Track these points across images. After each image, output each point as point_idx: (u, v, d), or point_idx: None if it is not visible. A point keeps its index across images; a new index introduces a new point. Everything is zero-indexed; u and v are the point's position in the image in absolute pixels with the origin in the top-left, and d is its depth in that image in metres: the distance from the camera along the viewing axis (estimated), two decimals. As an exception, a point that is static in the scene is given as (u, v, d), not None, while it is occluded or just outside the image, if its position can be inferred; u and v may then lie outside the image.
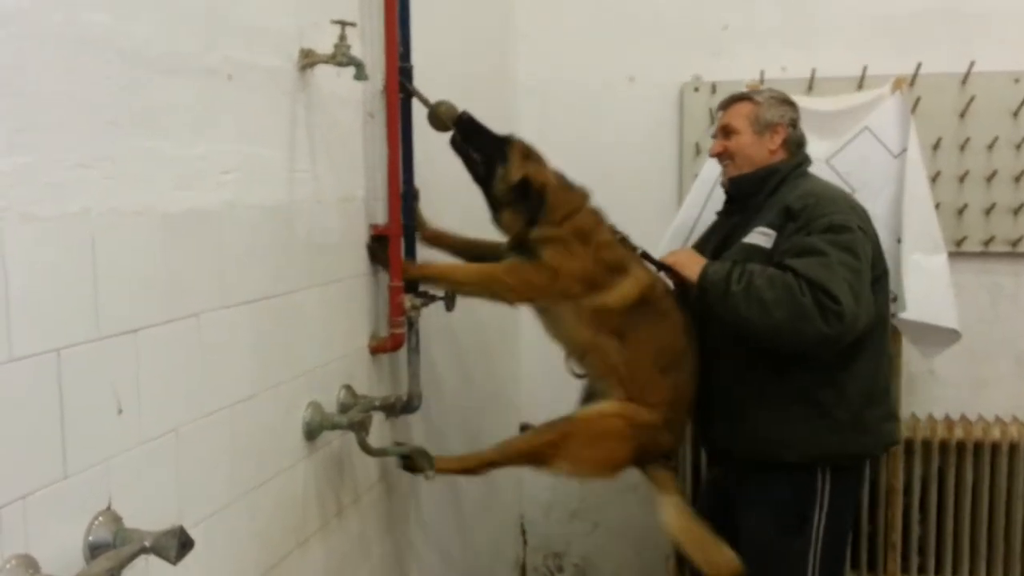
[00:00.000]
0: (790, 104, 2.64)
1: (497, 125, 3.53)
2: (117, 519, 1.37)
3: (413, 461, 2.31)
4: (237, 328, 1.72)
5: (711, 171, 3.31)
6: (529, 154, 2.47)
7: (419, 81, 2.43)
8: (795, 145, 2.62)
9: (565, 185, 2.49)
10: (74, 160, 1.30)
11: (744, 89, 3.30)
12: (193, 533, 1.53)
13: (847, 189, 3.18)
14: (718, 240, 2.65)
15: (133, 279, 1.43)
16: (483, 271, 2.38)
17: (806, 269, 2.24)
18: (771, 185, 2.54)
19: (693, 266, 2.38)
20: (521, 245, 2.40)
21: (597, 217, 2.49)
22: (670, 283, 2.54)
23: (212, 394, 1.64)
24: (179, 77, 1.55)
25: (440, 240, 2.55)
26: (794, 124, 2.62)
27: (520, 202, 2.38)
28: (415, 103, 2.39)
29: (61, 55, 1.28)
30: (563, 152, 3.69)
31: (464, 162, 2.44)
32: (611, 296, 2.36)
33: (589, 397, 2.52)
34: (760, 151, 2.57)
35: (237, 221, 1.72)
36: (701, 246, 2.74)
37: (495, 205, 2.44)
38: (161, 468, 1.50)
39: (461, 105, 2.90)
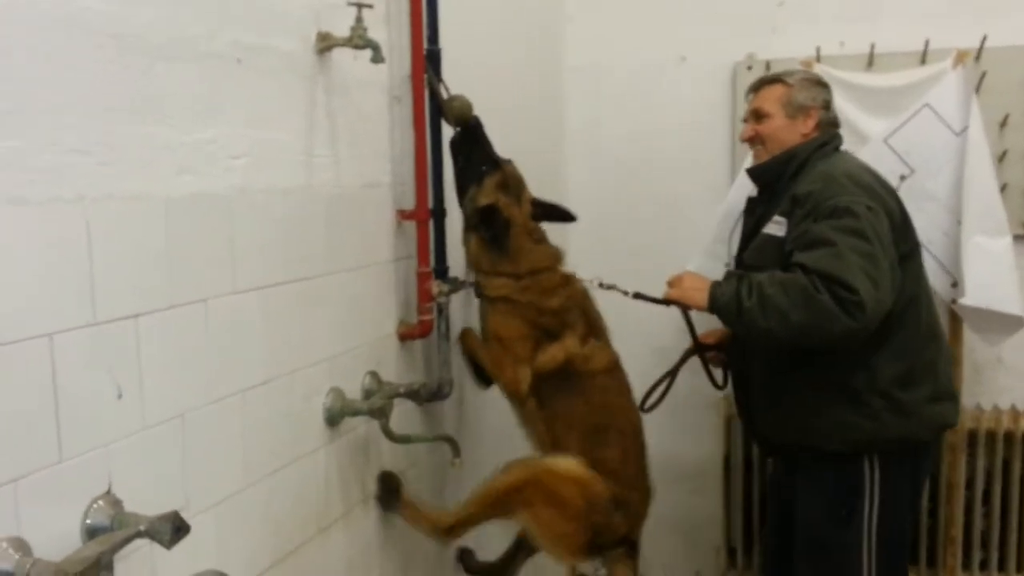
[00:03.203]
0: (823, 85, 2.56)
1: (544, 108, 3.53)
2: (117, 503, 1.38)
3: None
4: (248, 314, 1.72)
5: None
6: (506, 186, 2.41)
7: (452, 65, 2.40)
8: (828, 127, 2.53)
9: (539, 236, 2.46)
10: (68, 145, 1.31)
11: (799, 67, 3.21)
12: (202, 519, 1.56)
13: (906, 169, 3.06)
14: (747, 230, 2.61)
15: (133, 265, 1.43)
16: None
17: (816, 263, 2.15)
18: (791, 169, 2.45)
19: (697, 295, 2.31)
20: (479, 293, 2.44)
21: (564, 280, 2.46)
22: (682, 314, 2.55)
23: (221, 380, 1.64)
24: (183, 62, 1.54)
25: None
26: (827, 106, 2.53)
27: (483, 230, 2.37)
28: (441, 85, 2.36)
29: (49, 40, 1.27)
30: (613, 134, 3.69)
31: (454, 166, 2.43)
32: (540, 357, 2.37)
33: None
34: (792, 135, 2.49)
35: (248, 206, 1.71)
36: (742, 236, 2.69)
37: (465, 224, 2.44)
38: (166, 453, 1.51)
39: (506, 85, 2.87)
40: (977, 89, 3.06)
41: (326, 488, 1.99)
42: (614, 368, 2.49)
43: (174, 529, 1.32)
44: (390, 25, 2.24)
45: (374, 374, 2.16)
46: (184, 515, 1.35)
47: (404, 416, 2.29)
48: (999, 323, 2.96)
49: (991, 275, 2.89)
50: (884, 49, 3.31)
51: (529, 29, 3.40)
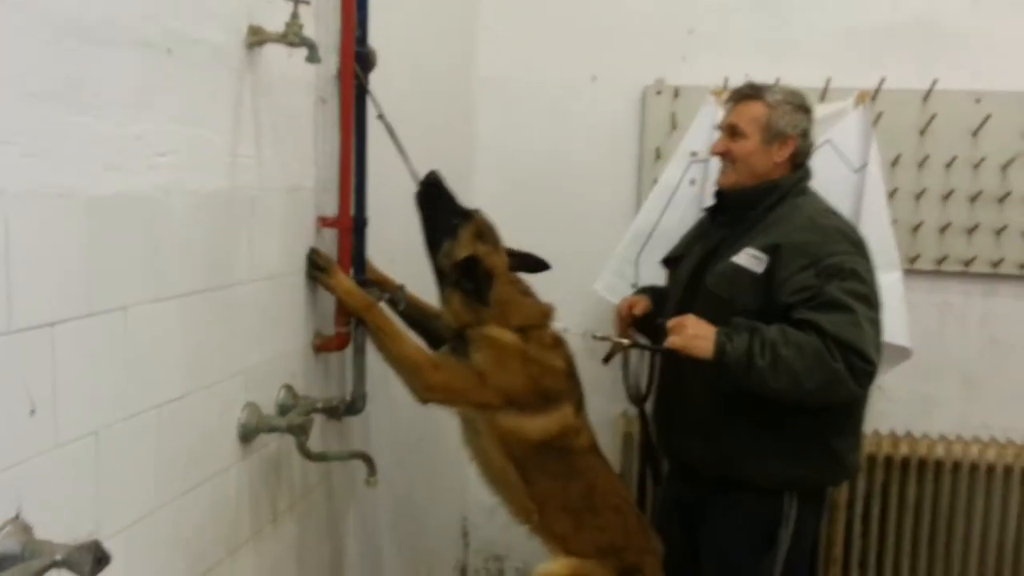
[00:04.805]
0: (805, 111, 2.46)
1: (455, 118, 3.49)
2: (27, 529, 1.26)
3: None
4: (169, 323, 1.60)
5: (671, 177, 3.26)
6: (483, 235, 2.33)
7: (376, 67, 2.32)
8: (802, 157, 2.45)
9: (523, 287, 2.37)
10: (-12, 135, 1.18)
11: (708, 95, 3.27)
12: (112, 543, 1.43)
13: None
14: (705, 251, 2.51)
15: (52, 268, 1.31)
16: (414, 356, 2.20)
17: (836, 329, 2.12)
18: (769, 202, 2.39)
19: (702, 344, 2.19)
20: (460, 337, 2.27)
21: (556, 339, 2.36)
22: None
23: (138, 394, 1.52)
24: (113, 48, 1.42)
25: (383, 287, 2.36)
26: (805, 134, 2.44)
27: (465, 284, 2.24)
28: (371, 89, 2.28)
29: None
30: (523, 148, 3.67)
31: (422, 222, 2.33)
32: (531, 423, 2.23)
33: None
34: (764, 162, 2.40)
35: (172, 207, 1.60)
36: (683, 250, 2.64)
37: (441, 280, 2.32)
38: (78, 473, 1.38)
39: (417, 94, 2.80)
40: (873, 128, 3.20)
41: (236, 508, 1.88)
42: (596, 445, 2.42)
43: (95, 560, 1.21)
44: (319, 23, 2.14)
45: (289, 388, 2.06)
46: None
47: (315, 431, 2.19)
48: (887, 354, 3.08)
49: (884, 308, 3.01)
50: (787, 84, 3.42)
51: (446, 34, 3.35)
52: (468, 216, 2.33)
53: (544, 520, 2.28)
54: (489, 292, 2.23)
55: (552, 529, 2.29)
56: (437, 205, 2.31)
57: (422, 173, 2.33)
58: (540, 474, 2.26)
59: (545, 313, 2.36)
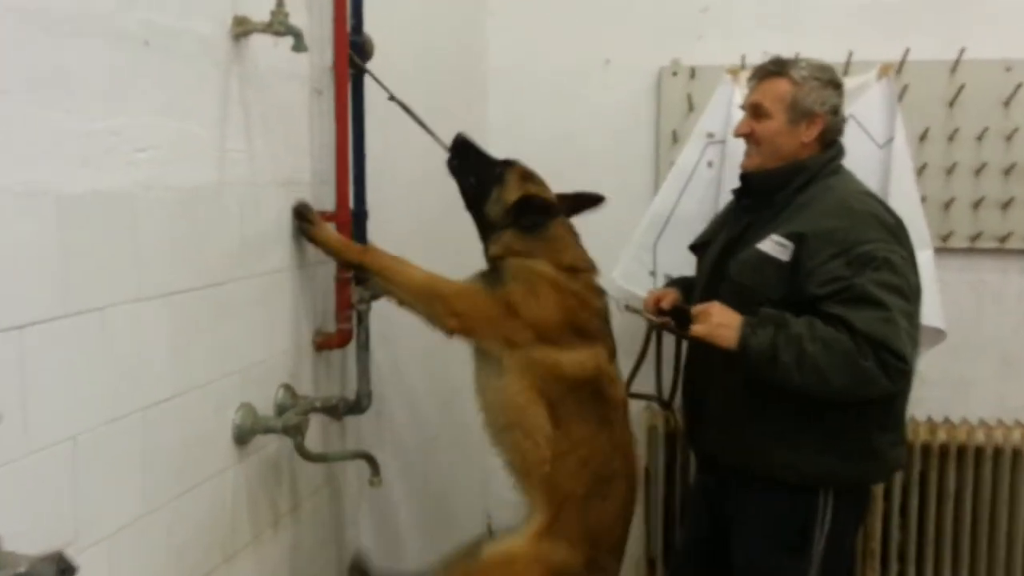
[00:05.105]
0: (835, 86, 2.31)
1: (465, 106, 3.41)
2: (-5, 541, 1.21)
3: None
4: (153, 323, 1.55)
5: (688, 160, 3.17)
6: (529, 176, 2.32)
7: (376, 56, 2.26)
8: (832, 135, 2.32)
9: (575, 233, 2.34)
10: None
11: (725, 75, 3.17)
12: (93, 552, 1.40)
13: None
14: (730, 237, 2.38)
15: (20, 268, 1.26)
16: (432, 283, 2.11)
17: (866, 327, 1.99)
18: (796, 184, 2.25)
19: (727, 334, 2.10)
20: (493, 268, 2.21)
21: (600, 289, 2.30)
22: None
23: (120, 397, 1.47)
24: (85, 40, 1.37)
25: None
26: (835, 111, 2.30)
27: (524, 221, 2.20)
28: (367, 79, 2.22)
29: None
30: (536, 136, 3.59)
31: (460, 187, 2.31)
32: (565, 356, 2.12)
33: None
34: (791, 142, 2.27)
35: (154, 204, 1.55)
36: (710, 235, 2.53)
37: (489, 231, 2.26)
38: (54, 481, 1.34)
39: (424, 84, 2.74)
40: (898, 102, 3.08)
41: (233, 512, 1.83)
42: (627, 407, 2.30)
43: (59, 571, 1.16)
44: (311, 12, 2.09)
45: (288, 387, 2.01)
46: (72, 550, 1.21)
47: (318, 431, 2.15)
48: (921, 337, 2.97)
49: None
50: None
51: (450, 20, 3.28)
52: (509, 163, 2.32)
53: (554, 475, 2.12)
54: (547, 229, 2.21)
55: (558, 485, 2.12)
56: (473, 162, 2.30)
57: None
58: (572, 416, 2.14)
59: (593, 264, 2.32)
